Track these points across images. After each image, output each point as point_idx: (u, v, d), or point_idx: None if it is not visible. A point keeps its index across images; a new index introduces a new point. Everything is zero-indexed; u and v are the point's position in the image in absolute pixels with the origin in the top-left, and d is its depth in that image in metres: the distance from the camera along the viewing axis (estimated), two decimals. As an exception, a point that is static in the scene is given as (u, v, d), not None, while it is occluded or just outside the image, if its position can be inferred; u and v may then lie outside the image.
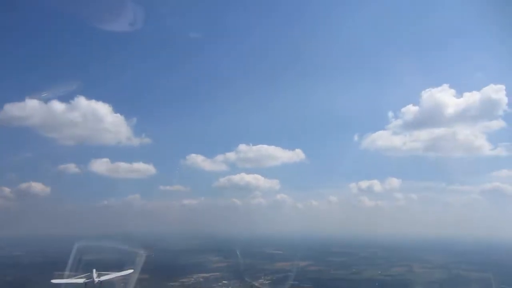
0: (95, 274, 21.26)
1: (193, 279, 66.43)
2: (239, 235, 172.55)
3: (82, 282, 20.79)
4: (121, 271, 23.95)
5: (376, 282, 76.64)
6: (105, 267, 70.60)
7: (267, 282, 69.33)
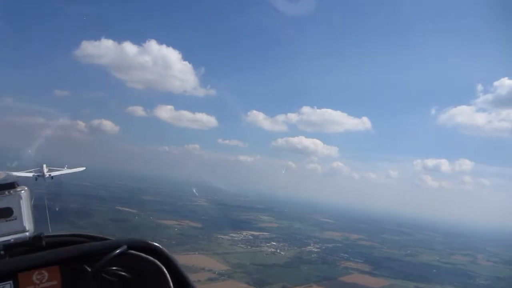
0: (45, 169, 19.95)
1: (242, 236, 66.40)
2: (291, 198, 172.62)
3: (32, 176, 19.66)
4: (73, 168, 23.39)
5: (433, 268, 71.28)
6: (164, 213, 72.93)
7: (315, 250, 67.34)
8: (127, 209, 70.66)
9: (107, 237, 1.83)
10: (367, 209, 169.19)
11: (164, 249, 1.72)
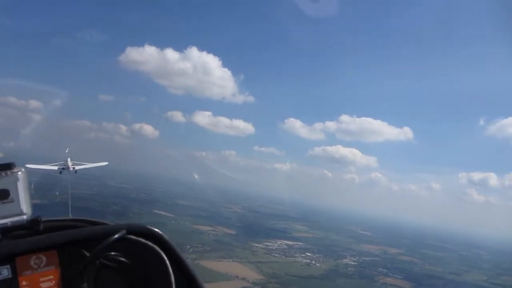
0: (70, 163, 20.34)
1: (276, 245, 65.49)
2: (326, 208, 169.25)
3: (57, 169, 20.06)
4: (96, 163, 24.08)
5: (481, 289, 66.73)
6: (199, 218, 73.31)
7: (352, 263, 65.04)
8: (164, 212, 71.95)
9: (106, 222, 1.72)
10: (407, 222, 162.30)
11: (164, 235, 1.65)
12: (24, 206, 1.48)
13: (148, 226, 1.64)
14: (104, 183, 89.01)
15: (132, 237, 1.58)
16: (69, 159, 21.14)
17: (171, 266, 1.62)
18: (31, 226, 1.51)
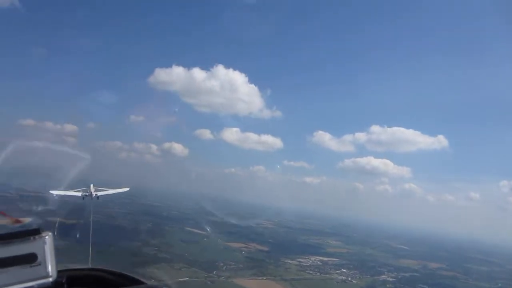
0: (92, 189, 20.95)
1: (310, 261, 63.94)
2: (359, 221, 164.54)
3: (80, 195, 20.76)
4: (118, 188, 24.57)
5: (532, 308, 62.08)
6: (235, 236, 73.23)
7: (391, 279, 62.37)
8: (196, 230, 72.18)
9: (125, 273, 1.78)
10: (446, 234, 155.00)
11: None
12: (50, 269, 1.54)
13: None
14: (136, 201, 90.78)
15: None
16: (91, 185, 21.91)
17: None
18: None
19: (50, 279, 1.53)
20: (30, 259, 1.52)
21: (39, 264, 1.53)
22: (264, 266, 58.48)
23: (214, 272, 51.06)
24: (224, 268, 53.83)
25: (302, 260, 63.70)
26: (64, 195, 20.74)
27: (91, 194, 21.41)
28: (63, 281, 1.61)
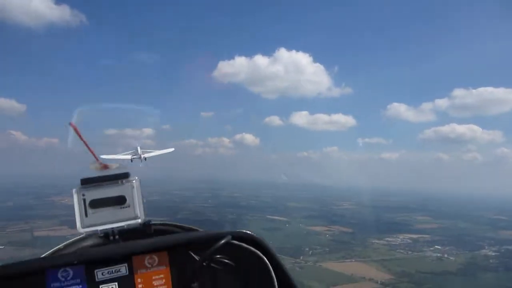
0: (140, 151, 20.30)
1: (399, 240, 61.23)
2: (445, 194, 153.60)
3: (129, 158, 20.30)
4: (164, 149, 23.86)
5: None
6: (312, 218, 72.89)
7: (493, 254, 57.29)
8: (277, 217, 73.18)
9: (197, 228, 1.91)
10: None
11: (264, 240, 1.76)
12: (138, 211, 1.66)
13: (250, 232, 1.73)
14: (216, 194, 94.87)
15: (236, 242, 1.70)
16: (139, 147, 22.71)
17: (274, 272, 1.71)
18: (144, 229, 1.69)
19: (139, 220, 1.65)
20: (120, 200, 1.64)
21: (128, 206, 1.64)
22: (350, 248, 57.37)
23: (301, 258, 51.25)
24: (310, 253, 53.85)
25: (390, 239, 61.21)
26: (113, 159, 21.69)
27: (140, 157, 22.29)
28: (151, 223, 1.69)
